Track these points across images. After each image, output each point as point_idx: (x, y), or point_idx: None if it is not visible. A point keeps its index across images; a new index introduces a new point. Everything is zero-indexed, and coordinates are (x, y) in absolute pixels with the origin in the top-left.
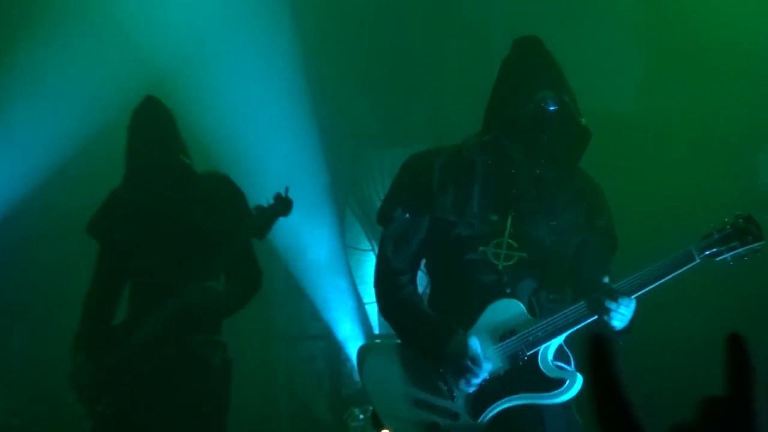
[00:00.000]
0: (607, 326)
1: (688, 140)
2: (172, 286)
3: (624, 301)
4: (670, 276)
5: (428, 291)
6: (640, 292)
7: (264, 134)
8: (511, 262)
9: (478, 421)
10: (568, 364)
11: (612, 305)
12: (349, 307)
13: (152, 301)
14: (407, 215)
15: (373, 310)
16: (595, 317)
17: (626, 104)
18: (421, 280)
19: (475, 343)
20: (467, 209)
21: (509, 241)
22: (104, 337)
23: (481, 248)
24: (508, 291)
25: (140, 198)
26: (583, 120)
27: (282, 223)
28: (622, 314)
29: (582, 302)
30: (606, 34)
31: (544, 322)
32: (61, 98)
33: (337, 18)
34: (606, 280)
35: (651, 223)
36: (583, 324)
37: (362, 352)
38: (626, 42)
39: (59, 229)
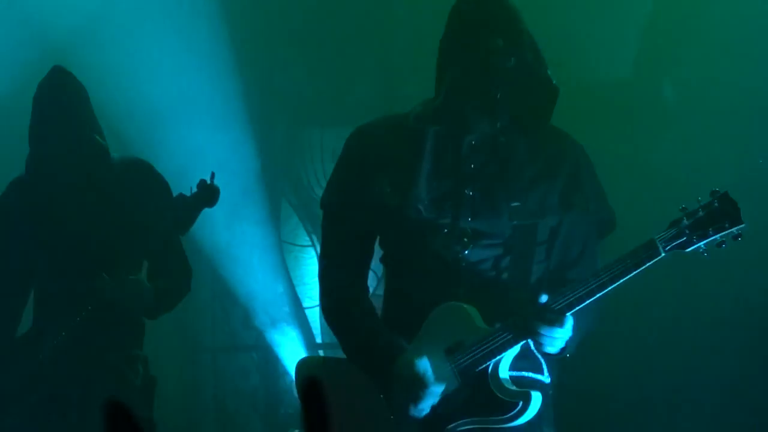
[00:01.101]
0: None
1: (687, 113)
2: (85, 290)
3: (556, 321)
4: (626, 278)
5: (384, 285)
6: (582, 305)
7: (184, 111)
8: (464, 254)
9: None
10: (538, 371)
11: (541, 328)
12: (286, 313)
13: (61, 309)
14: (346, 201)
15: (314, 315)
16: (522, 342)
17: (621, 74)
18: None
19: (423, 363)
20: (413, 191)
21: (463, 228)
22: (3, 350)
23: (428, 238)
24: (462, 291)
25: (46, 187)
26: (548, 72)
27: (207, 215)
28: (554, 338)
29: (499, 327)
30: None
31: (489, 336)
32: None
33: None
34: (543, 300)
35: (643, 205)
36: (511, 349)
37: (301, 368)
38: (622, 8)
39: None
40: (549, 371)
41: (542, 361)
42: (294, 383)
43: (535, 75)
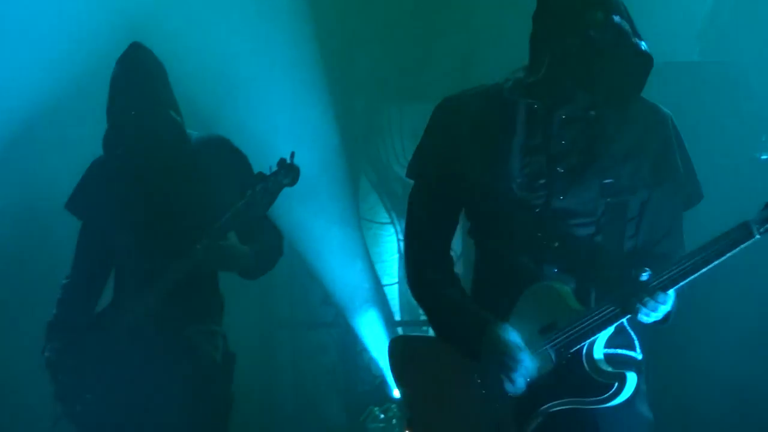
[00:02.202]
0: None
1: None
2: (166, 267)
3: (660, 297)
4: (721, 260)
5: (474, 261)
6: (681, 284)
7: (263, 88)
8: (555, 234)
9: (525, 426)
10: (631, 348)
11: (647, 303)
12: (364, 290)
13: (140, 285)
14: (436, 172)
15: (393, 293)
16: (626, 318)
17: (688, 55)
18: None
19: (514, 337)
20: (505, 168)
21: (555, 207)
22: (85, 324)
23: (520, 217)
24: (555, 270)
25: (124, 163)
26: (643, 44)
27: (287, 193)
28: (656, 312)
29: (597, 306)
30: None
31: (585, 316)
32: (29, 49)
33: None
34: (645, 277)
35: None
36: (606, 330)
37: (393, 348)
38: None
39: (30, 204)
40: (641, 348)
41: (635, 338)
42: (373, 360)
43: (632, 46)
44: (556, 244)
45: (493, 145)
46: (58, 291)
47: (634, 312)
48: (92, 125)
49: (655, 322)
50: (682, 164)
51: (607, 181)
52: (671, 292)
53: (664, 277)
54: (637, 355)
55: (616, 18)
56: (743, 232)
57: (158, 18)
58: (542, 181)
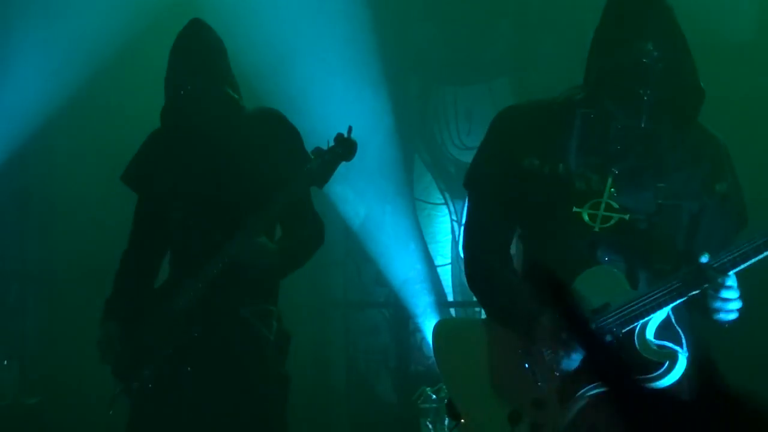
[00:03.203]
0: (709, 309)
1: None
2: (220, 242)
3: (723, 279)
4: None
5: (520, 257)
6: (741, 266)
7: (318, 67)
8: (608, 224)
9: (567, 408)
10: (678, 343)
11: (712, 282)
12: (418, 271)
13: (197, 262)
14: (495, 173)
15: (446, 274)
16: (693, 293)
17: (745, 35)
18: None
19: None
20: (561, 165)
21: (609, 201)
22: (142, 302)
23: (575, 209)
24: (606, 259)
25: (181, 137)
26: (696, 78)
27: (342, 173)
28: (725, 298)
29: (665, 282)
30: None
31: (640, 296)
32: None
33: None
34: (704, 259)
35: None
36: (678, 302)
37: (439, 330)
38: None
39: (86, 175)
40: (687, 345)
41: (682, 334)
42: (426, 340)
43: (683, 79)
44: (608, 238)
45: (551, 146)
46: (112, 268)
47: (698, 288)
48: (151, 98)
49: (719, 316)
50: (732, 185)
51: (660, 184)
52: (731, 275)
53: (725, 259)
54: (683, 352)
55: (667, 51)
56: None
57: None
58: (597, 177)
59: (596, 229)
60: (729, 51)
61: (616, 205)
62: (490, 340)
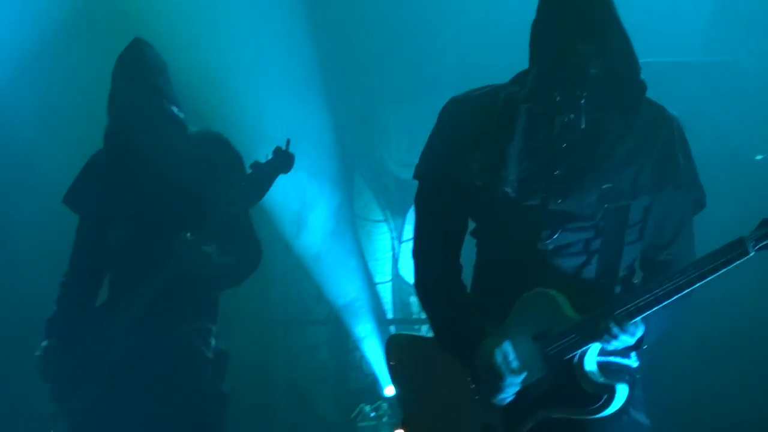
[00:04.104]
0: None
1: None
2: (160, 263)
3: (628, 328)
4: (711, 278)
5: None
6: (658, 306)
7: (259, 83)
8: (553, 237)
9: None
10: (624, 355)
11: (612, 330)
12: (358, 288)
13: (137, 281)
14: (440, 175)
15: (385, 291)
16: (591, 345)
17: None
18: None
19: (505, 352)
20: (501, 172)
21: (553, 210)
22: (81, 321)
23: (516, 220)
24: (549, 275)
25: (124, 158)
26: (637, 73)
27: (280, 190)
28: (622, 342)
29: (581, 321)
30: None
31: (576, 325)
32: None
33: None
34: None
35: (721, 194)
36: (584, 348)
37: (391, 344)
38: None
39: (27, 199)
40: (637, 356)
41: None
42: (364, 358)
43: (622, 75)
44: (552, 248)
45: (493, 147)
46: (57, 289)
47: (598, 339)
48: (92, 120)
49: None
50: (685, 169)
51: (606, 186)
52: (639, 324)
53: (630, 305)
54: (632, 362)
55: (605, 54)
56: (738, 249)
57: (157, 15)
58: (539, 184)
59: (538, 244)
60: (676, 70)
61: (558, 216)
62: (441, 357)
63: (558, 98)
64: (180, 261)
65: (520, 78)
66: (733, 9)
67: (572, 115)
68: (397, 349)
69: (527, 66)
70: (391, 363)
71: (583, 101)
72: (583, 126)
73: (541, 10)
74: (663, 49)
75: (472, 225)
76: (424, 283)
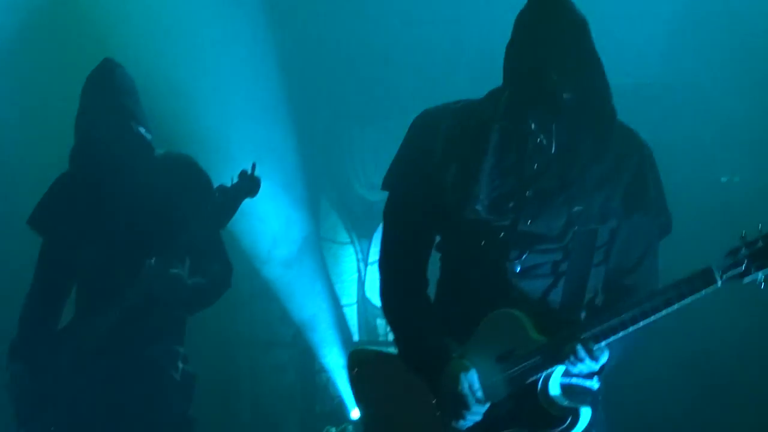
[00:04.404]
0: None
1: (721, 115)
2: (127, 284)
3: (594, 352)
4: (677, 306)
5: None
6: (623, 332)
7: (227, 105)
8: (521, 258)
9: None
10: (587, 377)
11: (578, 353)
12: (324, 310)
13: (102, 302)
14: (410, 188)
15: (351, 313)
16: (555, 368)
17: (650, 77)
18: None
19: (469, 378)
20: (473, 190)
21: (522, 231)
22: (46, 343)
23: (485, 239)
24: (515, 295)
25: (90, 179)
26: (609, 100)
27: (247, 211)
28: (586, 366)
29: (544, 345)
30: None
31: (541, 347)
32: None
33: None
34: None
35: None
36: (548, 371)
37: (354, 360)
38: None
39: None
40: (599, 377)
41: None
42: (331, 380)
43: (593, 105)
44: (519, 269)
45: (465, 163)
46: (17, 310)
47: (561, 362)
48: (59, 140)
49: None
50: (654, 195)
51: (576, 209)
52: (604, 349)
53: (597, 329)
54: (594, 384)
55: (573, 82)
56: (706, 278)
57: (125, 36)
58: (510, 204)
59: (506, 264)
60: (634, 94)
61: (528, 237)
62: (403, 375)
63: (528, 125)
64: (149, 288)
65: (493, 95)
66: (692, 31)
67: (544, 139)
68: (360, 364)
69: (492, 88)
70: (353, 377)
71: (554, 126)
72: (553, 151)
73: (516, 33)
74: (623, 70)
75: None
76: (389, 296)
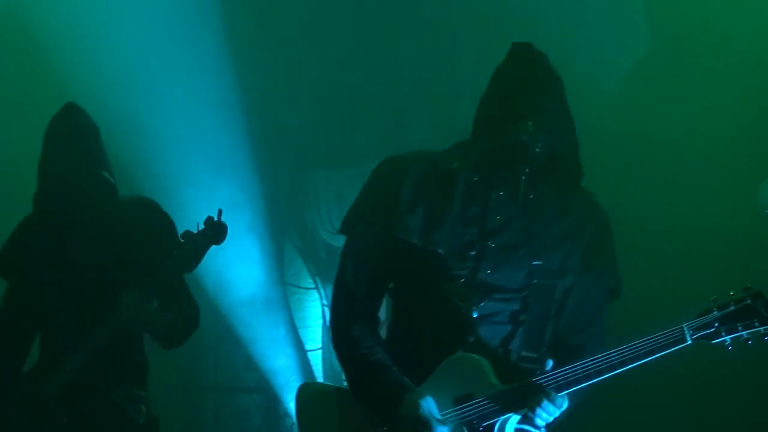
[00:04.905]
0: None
1: (678, 160)
2: (91, 328)
3: (556, 401)
4: (644, 361)
5: (390, 320)
6: (588, 383)
7: (191, 151)
8: (479, 305)
9: None
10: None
11: (542, 403)
12: (288, 355)
13: (68, 346)
14: (370, 231)
15: (316, 359)
16: (512, 415)
17: (606, 120)
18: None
19: (430, 407)
20: (436, 236)
21: (482, 280)
22: (9, 388)
23: (445, 285)
24: (471, 340)
25: (54, 223)
26: (575, 156)
27: (211, 256)
28: (547, 415)
29: (503, 390)
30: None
31: (498, 393)
32: None
33: (273, 21)
34: (548, 366)
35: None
36: (504, 417)
37: (302, 394)
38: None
39: None
40: (548, 427)
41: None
42: (296, 425)
43: (562, 157)
44: (476, 316)
45: (429, 210)
46: None
47: (521, 409)
48: (23, 184)
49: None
50: (609, 260)
51: (536, 262)
52: (565, 397)
53: (560, 379)
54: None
55: (546, 133)
56: (677, 336)
57: (85, 87)
58: (472, 253)
59: (465, 309)
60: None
61: (488, 286)
62: (351, 409)
63: (496, 177)
64: (125, 317)
65: (460, 147)
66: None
67: (507, 193)
68: (307, 398)
69: (457, 136)
70: (300, 411)
71: (524, 177)
72: (519, 199)
73: (493, 84)
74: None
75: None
76: (343, 334)
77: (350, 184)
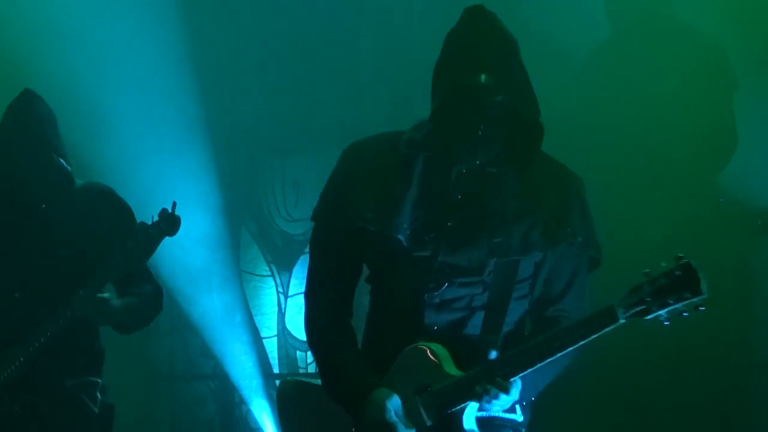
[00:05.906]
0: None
1: (633, 149)
2: (44, 316)
3: (504, 385)
4: (582, 343)
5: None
6: (534, 368)
7: (146, 139)
8: (439, 291)
9: None
10: (509, 410)
11: (488, 389)
12: (244, 342)
13: (21, 334)
14: (334, 219)
15: (272, 346)
16: (468, 403)
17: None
18: None
19: (393, 406)
20: (395, 220)
21: (442, 261)
22: None
23: (405, 270)
24: (435, 328)
25: (9, 211)
26: (538, 110)
27: (167, 244)
28: (497, 402)
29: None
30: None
31: (455, 382)
32: None
33: (230, 7)
34: (492, 356)
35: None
36: (464, 405)
37: (283, 390)
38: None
39: None
40: (522, 410)
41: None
42: (251, 412)
43: (520, 114)
44: (438, 301)
45: (387, 194)
46: None
47: (475, 398)
48: None
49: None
50: (580, 227)
51: (496, 240)
52: (516, 382)
53: (514, 364)
54: (518, 417)
55: (503, 85)
56: (608, 316)
57: (38, 71)
58: (431, 235)
59: (425, 297)
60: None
61: (447, 269)
62: (330, 410)
63: (455, 142)
64: (76, 310)
65: (419, 126)
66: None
67: (467, 168)
68: (287, 394)
69: (419, 119)
70: (281, 408)
71: (480, 133)
72: (478, 162)
73: (445, 48)
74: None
75: (366, 271)
76: (313, 327)
77: (307, 170)
